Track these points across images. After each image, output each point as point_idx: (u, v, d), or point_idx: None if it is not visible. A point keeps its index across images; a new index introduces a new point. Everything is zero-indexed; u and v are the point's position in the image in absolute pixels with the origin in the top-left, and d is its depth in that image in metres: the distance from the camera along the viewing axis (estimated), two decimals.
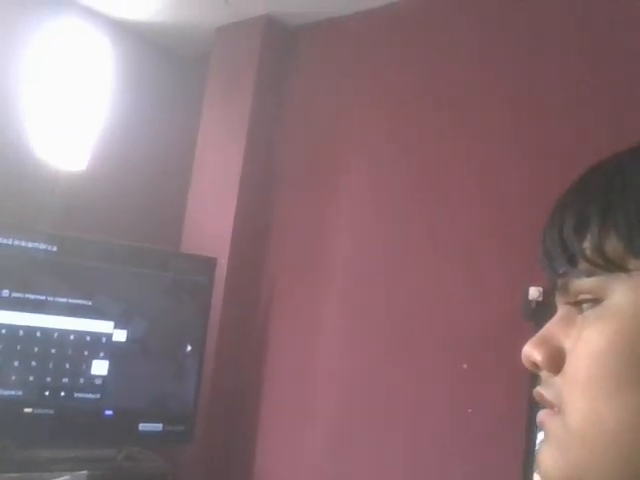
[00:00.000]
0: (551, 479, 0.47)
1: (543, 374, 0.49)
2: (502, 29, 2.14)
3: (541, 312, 1.69)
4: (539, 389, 0.49)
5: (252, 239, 2.61)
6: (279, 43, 2.71)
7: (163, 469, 2.28)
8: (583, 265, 0.46)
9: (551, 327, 0.49)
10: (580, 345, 0.46)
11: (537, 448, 1.70)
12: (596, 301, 0.45)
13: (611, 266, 0.44)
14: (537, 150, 1.98)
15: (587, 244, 0.46)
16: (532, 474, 1.72)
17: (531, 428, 1.72)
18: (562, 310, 0.49)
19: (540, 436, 1.57)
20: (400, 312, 2.18)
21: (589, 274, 0.45)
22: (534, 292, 1.75)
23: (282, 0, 2.54)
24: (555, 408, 0.47)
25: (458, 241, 2.10)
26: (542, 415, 0.48)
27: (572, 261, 0.47)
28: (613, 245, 0.44)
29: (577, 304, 0.47)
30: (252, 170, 2.62)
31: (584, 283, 0.46)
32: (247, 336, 2.57)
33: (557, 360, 0.47)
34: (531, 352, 0.48)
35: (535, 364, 0.48)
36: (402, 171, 2.29)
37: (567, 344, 0.47)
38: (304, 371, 2.41)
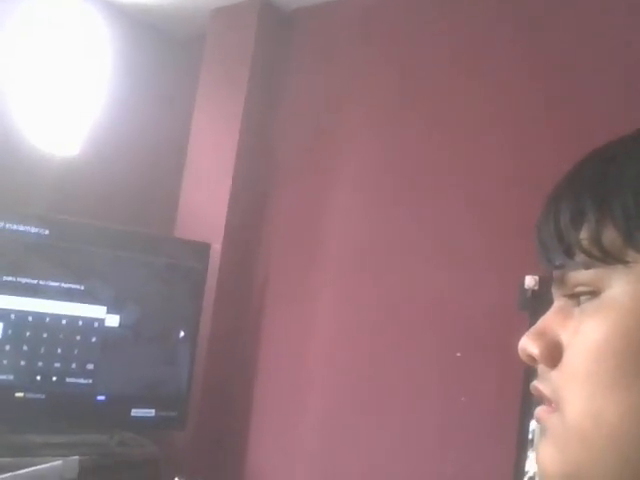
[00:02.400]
0: (549, 475, 0.46)
1: (540, 368, 0.48)
2: (504, 14, 2.12)
3: (537, 301, 1.68)
4: (536, 383, 0.48)
5: (246, 225, 2.59)
6: (275, 26, 2.68)
7: (155, 455, 2.27)
8: (580, 257, 0.45)
9: (548, 320, 0.48)
10: (578, 338, 0.45)
11: (530, 437, 1.71)
12: (594, 293, 0.45)
13: (609, 258, 0.43)
14: (528, 138, 1.96)
15: (584, 235, 0.45)
16: (525, 462, 1.72)
17: (525, 416, 1.72)
18: (559, 302, 0.48)
19: (533, 424, 1.56)
20: (394, 300, 2.18)
21: (586, 266, 0.44)
22: (530, 281, 1.74)
23: None
24: (553, 404, 0.46)
25: (453, 229, 2.09)
26: (540, 411, 0.47)
27: (569, 253, 0.46)
28: (611, 237, 0.43)
29: (574, 296, 0.46)
30: (247, 155, 2.60)
31: (581, 275, 0.45)
32: (240, 322, 2.56)
33: (554, 354, 0.46)
34: (528, 345, 0.48)
35: (532, 357, 0.47)
36: (397, 159, 2.28)
37: (564, 337, 0.46)
38: (298, 357, 2.40)
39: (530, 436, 1.71)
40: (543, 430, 0.47)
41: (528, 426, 1.71)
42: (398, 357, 2.14)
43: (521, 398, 1.72)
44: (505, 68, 2.07)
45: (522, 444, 1.72)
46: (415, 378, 2.08)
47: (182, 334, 2.35)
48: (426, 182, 2.19)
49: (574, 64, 1.92)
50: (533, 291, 1.73)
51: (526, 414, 1.71)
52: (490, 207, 2.02)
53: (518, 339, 0.49)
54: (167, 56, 3.00)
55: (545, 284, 1.64)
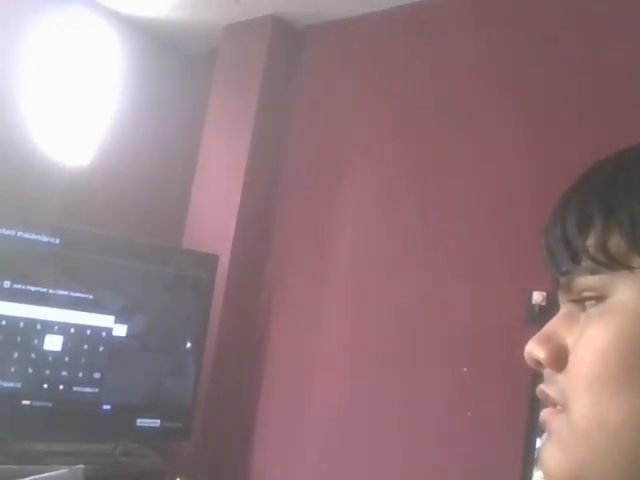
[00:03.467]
0: (553, 477, 0.46)
1: (546, 372, 0.48)
2: (509, 32, 2.14)
3: (544, 316, 1.68)
4: (542, 387, 0.48)
5: (255, 237, 2.61)
6: (286, 43, 2.71)
7: (160, 465, 2.27)
8: (586, 263, 0.45)
9: (554, 325, 0.49)
10: (583, 342, 0.45)
11: (536, 456, 1.69)
12: (599, 299, 0.45)
13: (615, 264, 0.44)
14: (540, 153, 1.97)
15: (590, 242, 0.45)
16: (531, 478, 1.71)
17: (531, 432, 1.71)
18: (565, 308, 0.49)
19: (539, 442, 1.55)
20: (401, 314, 2.18)
21: (593, 272, 0.45)
22: (537, 297, 1.74)
23: (290, 0, 2.54)
24: (558, 406, 0.47)
25: (461, 244, 2.09)
26: (545, 413, 0.48)
27: (575, 259, 0.46)
28: (617, 243, 0.44)
29: (580, 302, 0.47)
30: (256, 168, 2.62)
31: (587, 281, 0.45)
32: (247, 334, 2.56)
33: (560, 358, 0.46)
34: (534, 350, 0.48)
35: (538, 362, 0.48)
36: (407, 173, 2.29)
37: (570, 341, 0.47)
38: (303, 370, 2.40)
39: (536, 454, 1.70)
40: (548, 433, 0.47)
41: (535, 443, 1.70)
42: (405, 371, 2.13)
43: (527, 414, 1.72)
44: (524, 79, 2.08)
45: (528, 461, 1.71)
46: (421, 392, 2.08)
47: (189, 345, 2.36)
48: (437, 196, 2.19)
49: (594, 76, 1.92)
50: (540, 307, 1.73)
51: (532, 430, 1.70)
52: (498, 222, 2.03)
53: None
54: (179, 70, 3.03)
55: (552, 299, 1.64)
